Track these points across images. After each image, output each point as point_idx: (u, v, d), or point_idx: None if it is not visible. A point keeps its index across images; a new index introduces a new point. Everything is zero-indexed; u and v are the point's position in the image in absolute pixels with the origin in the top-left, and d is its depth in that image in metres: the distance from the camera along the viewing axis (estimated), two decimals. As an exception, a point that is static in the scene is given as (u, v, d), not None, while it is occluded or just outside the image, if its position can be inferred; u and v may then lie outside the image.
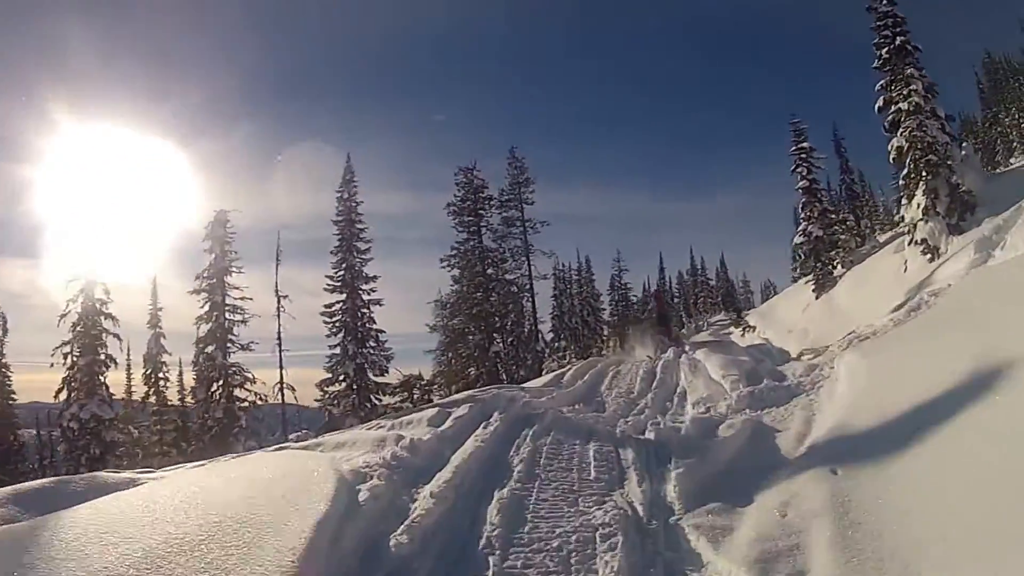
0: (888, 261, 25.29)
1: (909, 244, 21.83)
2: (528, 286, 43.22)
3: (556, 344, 50.70)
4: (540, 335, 46.22)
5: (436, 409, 12.99)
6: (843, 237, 30.72)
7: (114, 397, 31.44)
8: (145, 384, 34.97)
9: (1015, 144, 42.73)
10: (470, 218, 39.72)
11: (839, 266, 29.81)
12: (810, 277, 30.44)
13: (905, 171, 21.54)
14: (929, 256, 20.51)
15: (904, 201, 21.96)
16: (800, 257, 32.00)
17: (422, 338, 39.33)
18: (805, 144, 31.54)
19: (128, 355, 36.24)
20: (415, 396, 34.27)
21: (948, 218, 20.14)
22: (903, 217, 22.34)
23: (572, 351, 49.62)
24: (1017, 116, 43.42)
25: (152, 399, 34.84)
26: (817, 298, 28.54)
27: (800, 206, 31.08)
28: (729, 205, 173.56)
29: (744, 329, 36.13)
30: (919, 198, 20.80)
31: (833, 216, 30.67)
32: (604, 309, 56.97)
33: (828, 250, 29.79)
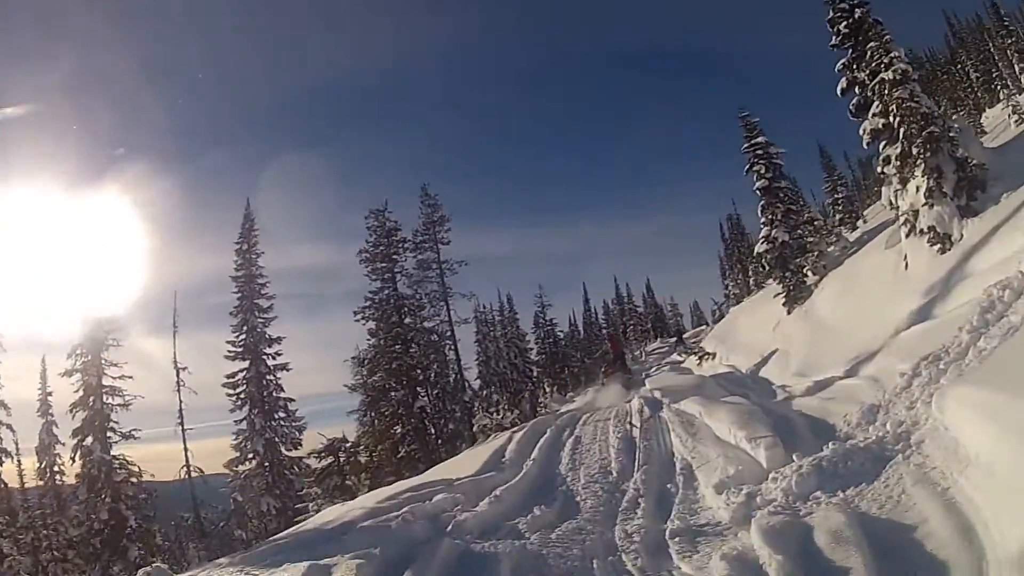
0: (875, 260, 20.39)
1: (908, 236, 17.37)
2: (449, 332, 39.06)
3: (484, 392, 45.83)
4: (467, 384, 42.84)
5: (308, 565, 7.43)
6: (812, 240, 25.44)
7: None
8: (40, 479, 30.21)
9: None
10: (383, 264, 35.50)
11: (809, 273, 24.63)
12: (777, 290, 24.96)
13: (898, 150, 17.22)
14: (939, 246, 15.90)
15: (896, 186, 17.52)
16: (764, 268, 26.69)
17: (347, 398, 35.88)
18: (760, 139, 26.09)
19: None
20: (341, 460, 29.89)
21: (957, 199, 15.88)
22: (896, 206, 17.79)
23: (504, 400, 45.32)
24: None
25: (48, 499, 29.82)
26: (789, 312, 23.61)
27: (759, 209, 25.68)
28: (648, 230, 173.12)
29: (701, 357, 29.59)
30: (919, 180, 16.34)
31: (797, 217, 25.47)
32: (531, 348, 51.80)
33: (796, 256, 24.79)
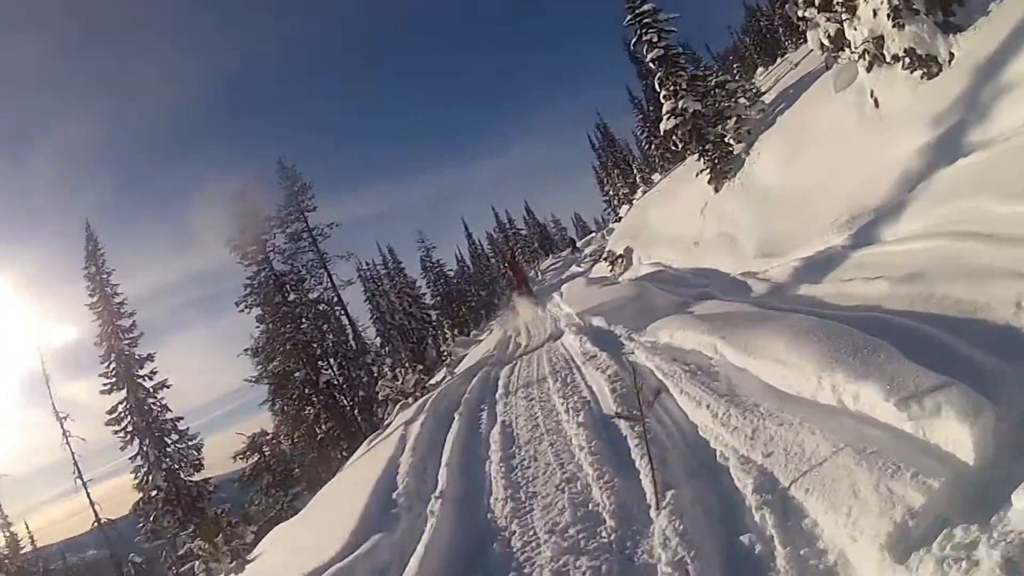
0: (823, 110, 15.33)
1: (871, 69, 13.09)
2: (336, 299, 35.79)
3: (386, 348, 40.95)
4: (367, 345, 39.55)
5: None
6: (728, 104, 20.13)
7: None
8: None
9: None
10: (254, 247, 32.67)
11: (731, 142, 19.40)
12: (696, 168, 19.78)
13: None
14: (923, 71, 11.61)
15: (829, 24, 13.26)
16: (676, 145, 21.46)
17: (258, 391, 32.37)
18: (646, 7, 20.27)
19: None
20: (267, 454, 29.50)
21: (932, 15, 11.83)
22: (838, 44, 13.41)
23: (406, 352, 40.84)
24: None
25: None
26: (717, 190, 18.50)
27: (657, 82, 20.02)
28: (513, 159, 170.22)
29: (613, 262, 24.81)
30: (875, 1, 12.21)
31: (704, 83, 20.23)
32: (424, 294, 47.08)
33: (715, 124, 19.46)
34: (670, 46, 19.27)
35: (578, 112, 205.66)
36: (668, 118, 18.65)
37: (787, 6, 16.34)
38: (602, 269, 26.31)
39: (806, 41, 15.28)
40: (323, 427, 30.26)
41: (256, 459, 29.42)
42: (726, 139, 18.24)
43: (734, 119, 18.34)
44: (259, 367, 32.55)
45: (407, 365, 23.23)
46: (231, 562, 10.25)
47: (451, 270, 53.58)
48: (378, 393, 28.01)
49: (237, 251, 32.61)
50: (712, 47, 66.34)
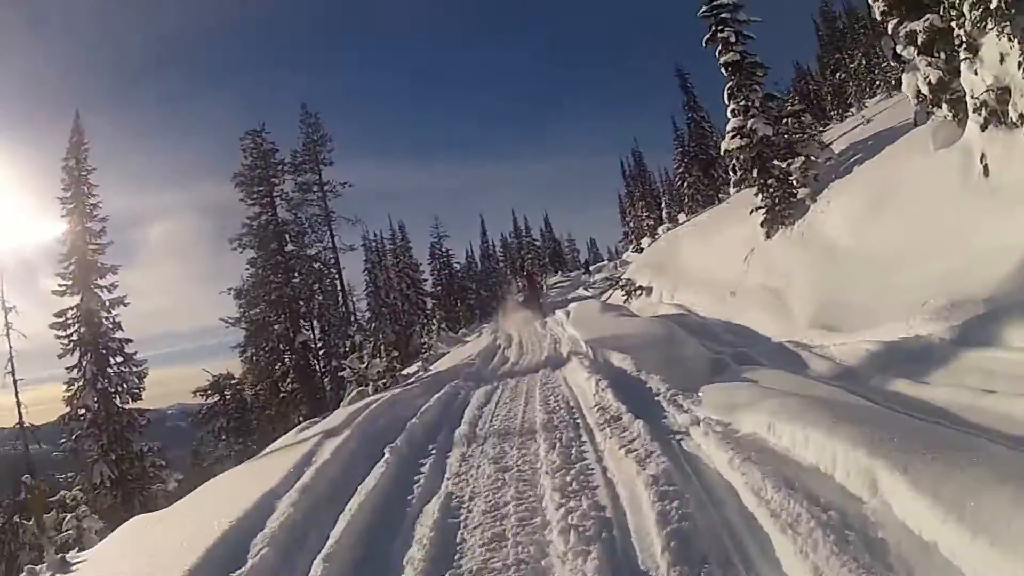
0: (918, 166, 11.68)
1: (985, 128, 9.60)
2: (333, 260, 33.67)
3: (372, 325, 38.15)
4: (354, 317, 36.81)
5: None
6: (800, 138, 16.04)
7: None
8: None
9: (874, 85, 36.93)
10: (260, 188, 30.65)
11: (794, 182, 15.50)
12: (746, 204, 16.25)
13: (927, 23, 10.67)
14: None
15: (928, 67, 10.40)
16: (735, 171, 17.16)
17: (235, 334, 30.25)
18: (727, 0, 16.88)
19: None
20: (227, 398, 29.04)
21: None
22: (943, 92, 10.56)
23: (387, 330, 38.21)
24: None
25: None
26: (770, 236, 15.04)
27: (726, 93, 16.69)
28: (548, 167, 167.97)
29: (630, 292, 21.50)
30: (1002, 44, 9.13)
31: (779, 107, 16.92)
32: (425, 279, 44.35)
33: (783, 156, 15.74)
34: (747, 52, 16.11)
35: (617, 136, 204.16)
36: (733, 136, 15.40)
37: (882, 40, 13.35)
38: (615, 297, 23.27)
39: (898, 88, 12.55)
40: (288, 386, 28.29)
41: (215, 400, 28.52)
42: (791, 178, 15.12)
43: (802, 159, 15.09)
44: (240, 310, 30.53)
45: (382, 348, 20.59)
46: (57, 555, 7.56)
47: (458, 262, 50.73)
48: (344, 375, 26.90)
49: (243, 188, 30.55)
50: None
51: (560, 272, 61.73)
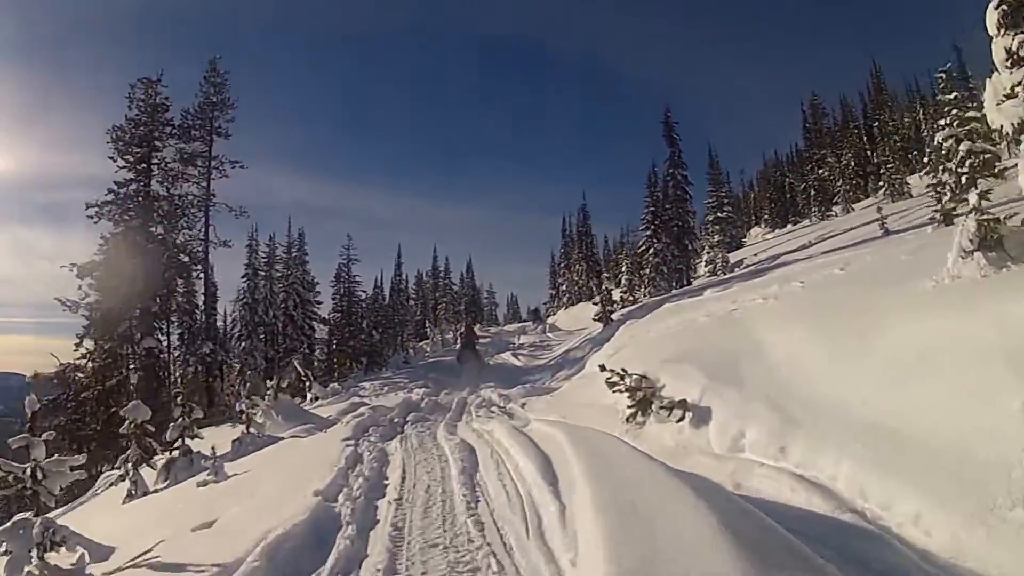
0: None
1: None
2: (203, 254, 27.70)
3: (243, 344, 30.10)
4: (218, 333, 30.79)
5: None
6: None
7: None
8: None
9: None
10: (140, 149, 25.69)
11: None
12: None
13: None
14: None
15: None
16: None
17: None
18: None
19: None
20: (71, 392, 23.41)
21: None
22: None
23: (261, 351, 29.93)
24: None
25: None
26: None
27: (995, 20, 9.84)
28: (476, 214, 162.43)
29: (640, 404, 8.92)
30: None
31: None
32: (320, 302, 34.44)
33: None
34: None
35: (557, 196, 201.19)
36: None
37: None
38: (605, 402, 10.53)
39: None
40: (125, 403, 20.69)
41: (59, 393, 23.30)
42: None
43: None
44: (80, 292, 24.13)
45: (179, 397, 12.69)
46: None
47: (363, 291, 40.01)
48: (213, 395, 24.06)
49: (118, 145, 25.43)
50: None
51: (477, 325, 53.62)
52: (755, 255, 32.00)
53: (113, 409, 22.46)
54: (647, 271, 27.02)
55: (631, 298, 28.28)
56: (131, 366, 24.14)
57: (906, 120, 46.13)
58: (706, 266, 30.58)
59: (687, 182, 29.58)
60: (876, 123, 47.07)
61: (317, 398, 20.43)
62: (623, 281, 29.07)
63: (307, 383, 22.01)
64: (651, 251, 27.98)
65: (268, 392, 15.14)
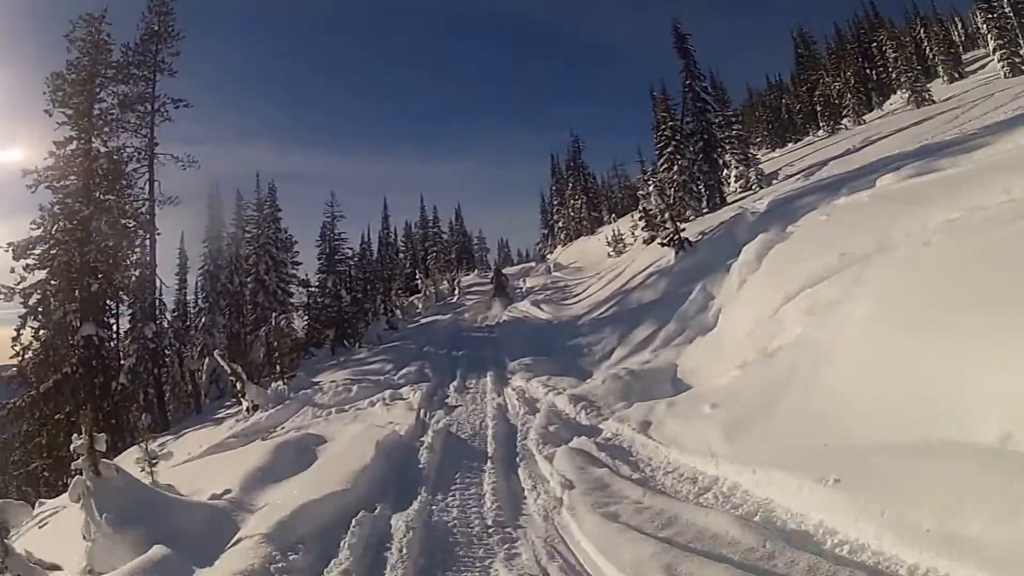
0: None
1: None
2: (148, 215, 23.05)
3: (202, 321, 25.45)
4: (174, 311, 26.99)
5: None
6: None
7: None
8: None
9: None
10: (80, 100, 21.57)
11: None
12: None
13: None
14: None
15: None
16: None
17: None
18: None
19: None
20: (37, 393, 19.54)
21: None
22: None
23: (222, 323, 25.56)
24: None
25: None
26: None
27: None
28: (463, 164, 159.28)
29: None
30: None
31: None
32: (299, 263, 28.91)
33: None
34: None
35: (548, 141, 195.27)
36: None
37: None
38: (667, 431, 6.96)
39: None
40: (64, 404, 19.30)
41: (26, 394, 19.85)
42: None
43: None
44: (14, 276, 20.28)
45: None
46: None
47: (350, 248, 32.34)
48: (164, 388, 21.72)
49: (57, 96, 21.37)
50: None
51: (475, 271, 49.04)
52: (790, 164, 28.51)
53: (56, 417, 19.23)
54: (672, 191, 22.41)
55: (680, 217, 22.39)
56: (72, 360, 20.02)
57: (906, 40, 45.60)
58: (736, 181, 27.16)
59: (706, 92, 26.54)
60: (874, 43, 47.20)
61: (255, 407, 14.13)
62: (653, 202, 24.44)
63: (240, 385, 15.10)
64: (675, 168, 23.87)
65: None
